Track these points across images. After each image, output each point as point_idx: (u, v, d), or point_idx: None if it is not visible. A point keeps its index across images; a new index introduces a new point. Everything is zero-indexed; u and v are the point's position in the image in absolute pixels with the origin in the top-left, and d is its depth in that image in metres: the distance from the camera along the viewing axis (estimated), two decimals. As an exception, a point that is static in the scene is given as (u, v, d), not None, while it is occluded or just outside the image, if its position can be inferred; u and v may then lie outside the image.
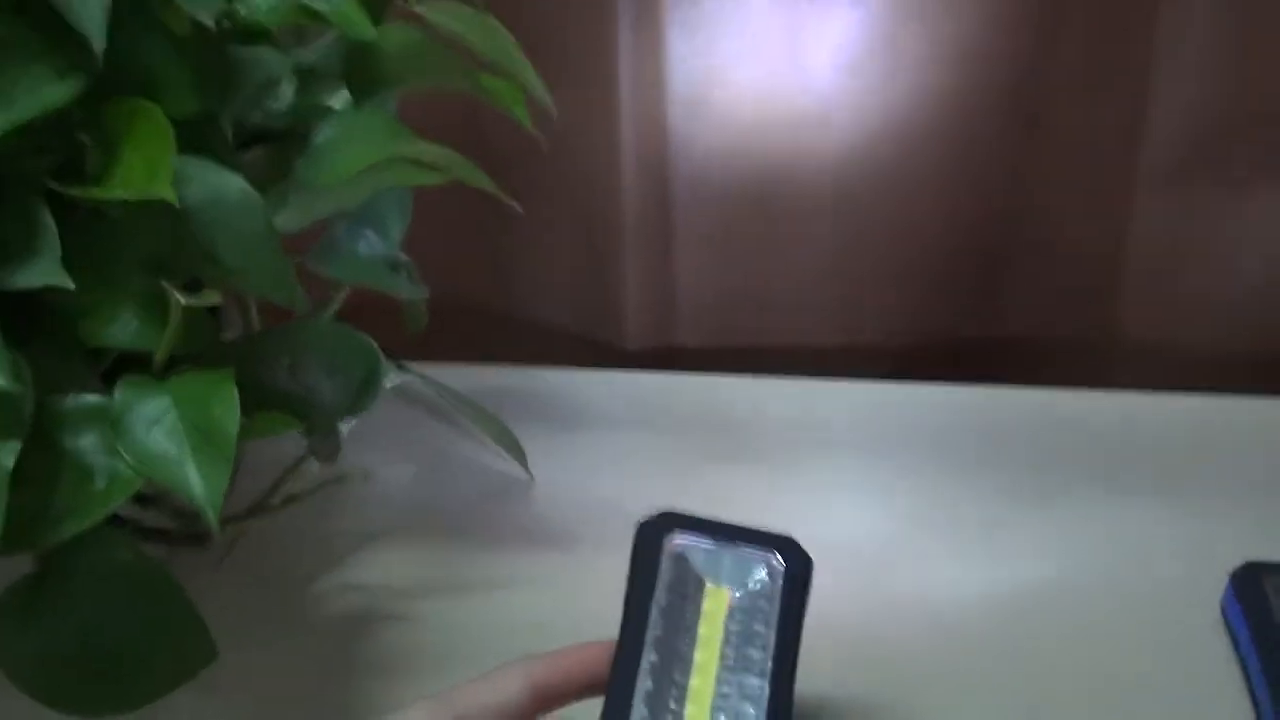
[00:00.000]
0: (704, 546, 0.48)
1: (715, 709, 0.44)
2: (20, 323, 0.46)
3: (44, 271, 0.44)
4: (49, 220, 0.45)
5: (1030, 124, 0.77)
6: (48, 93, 0.45)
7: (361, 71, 0.57)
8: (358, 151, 0.54)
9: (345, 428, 0.61)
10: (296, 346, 0.56)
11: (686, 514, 0.49)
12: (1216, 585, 0.59)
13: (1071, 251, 0.80)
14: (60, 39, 0.46)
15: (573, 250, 0.82)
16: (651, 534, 0.48)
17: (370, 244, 0.57)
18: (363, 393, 0.59)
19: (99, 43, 0.44)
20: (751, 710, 0.44)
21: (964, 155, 0.78)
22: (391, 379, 0.64)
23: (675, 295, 0.83)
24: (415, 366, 0.69)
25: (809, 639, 0.46)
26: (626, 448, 0.71)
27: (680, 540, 0.48)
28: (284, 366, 0.54)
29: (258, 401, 0.51)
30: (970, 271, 0.82)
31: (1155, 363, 0.82)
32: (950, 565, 0.62)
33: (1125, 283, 0.80)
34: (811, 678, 0.55)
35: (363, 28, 0.55)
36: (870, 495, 0.67)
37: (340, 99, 0.57)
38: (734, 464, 0.69)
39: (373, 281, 0.56)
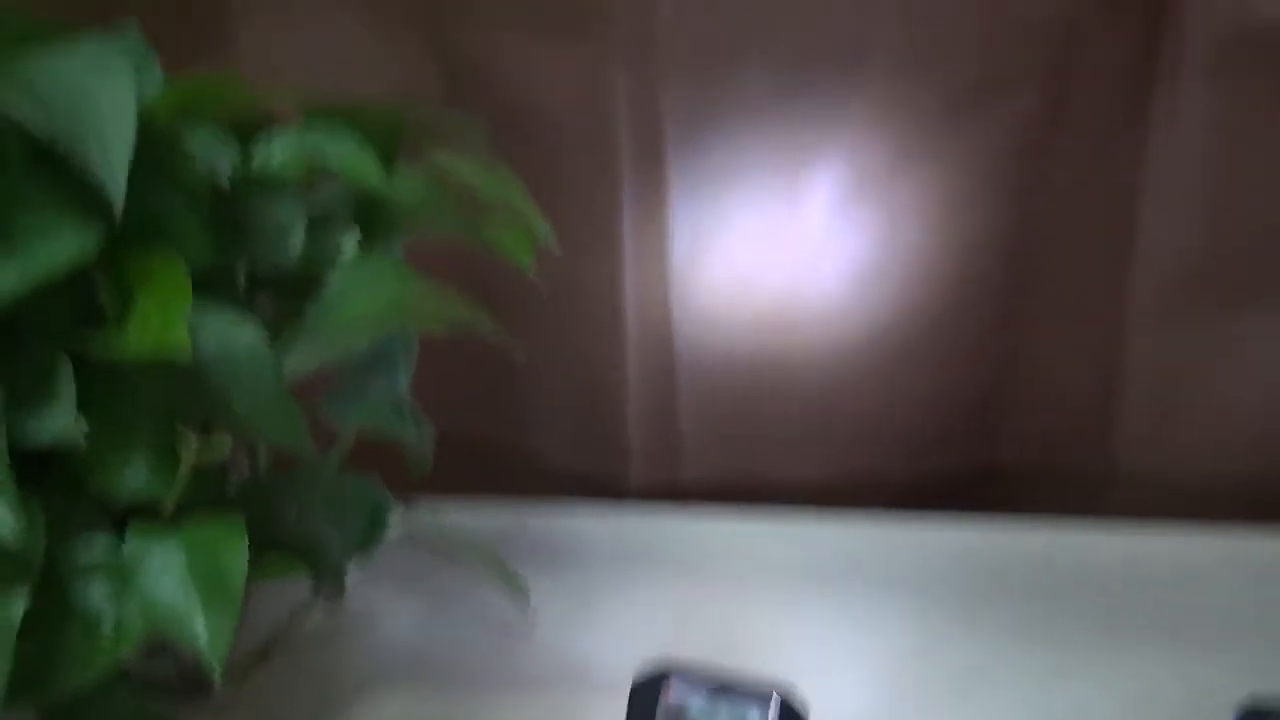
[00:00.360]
0: (699, 699, 0.49)
1: None
2: (32, 470, 0.46)
3: (59, 423, 0.45)
4: (66, 371, 0.46)
5: (1020, 262, 0.78)
6: (68, 247, 0.46)
7: (371, 218, 0.58)
8: (367, 298, 0.54)
9: (351, 570, 0.61)
10: (304, 493, 0.56)
11: (681, 664, 0.50)
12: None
13: (1065, 387, 0.81)
14: (80, 193, 0.46)
15: (576, 390, 0.83)
16: (647, 689, 0.49)
17: (378, 389, 0.57)
18: (368, 538, 0.59)
19: (118, 199, 0.45)
20: None
21: (956, 297, 0.79)
22: (397, 526, 0.64)
23: (677, 434, 0.83)
24: (420, 502, 0.69)
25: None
26: (628, 588, 0.70)
27: (676, 693, 0.49)
28: (292, 512, 0.54)
29: (265, 545, 0.51)
30: (965, 409, 0.83)
31: (1151, 494, 0.82)
32: (951, 709, 0.61)
33: (1120, 416, 0.81)
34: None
35: (373, 177, 0.56)
36: (869, 638, 0.66)
37: (350, 243, 0.58)
38: (735, 605, 0.69)
39: (381, 428, 0.56)
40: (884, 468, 0.85)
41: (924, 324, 0.80)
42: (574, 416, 0.84)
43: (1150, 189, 0.75)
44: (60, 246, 0.46)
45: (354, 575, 0.61)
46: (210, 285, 0.50)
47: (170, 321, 0.46)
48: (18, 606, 0.43)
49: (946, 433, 0.84)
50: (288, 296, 0.56)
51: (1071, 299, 0.79)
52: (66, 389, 0.45)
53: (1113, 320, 0.78)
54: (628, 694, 0.49)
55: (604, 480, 0.85)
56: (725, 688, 0.49)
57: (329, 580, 0.58)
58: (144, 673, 0.61)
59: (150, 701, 0.52)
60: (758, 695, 0.49)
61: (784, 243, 0.78)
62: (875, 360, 0.81)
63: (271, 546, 0.52)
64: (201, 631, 0.46)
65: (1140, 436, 0.81)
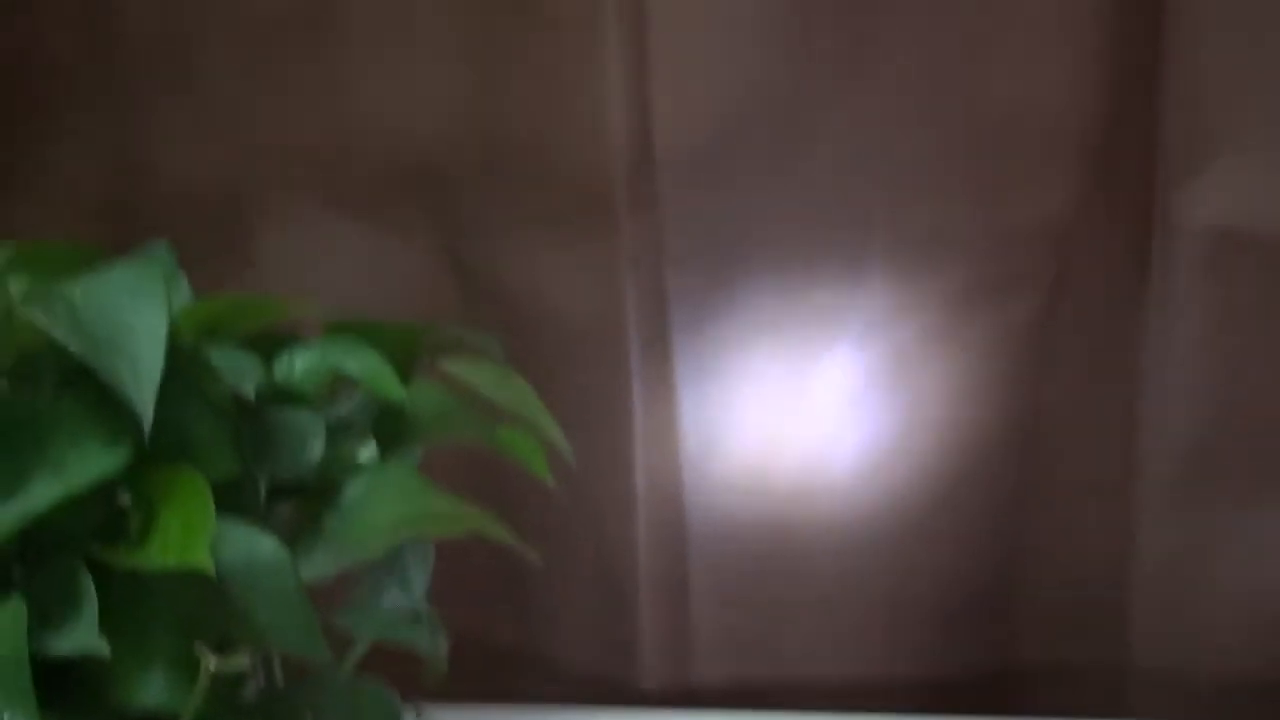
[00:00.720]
0: None
1: None
2: (50, 683, 0.47)
3: (82, 638, 0.46)
4: (89, 585, 0.47)
5: (1029, 449, 0.79)
6: (96, 463, 0.47)
7: (390, 428, 0.60)
8: (385, 509, 0.56)
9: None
10: (318, 700, 0.56)
11: None
12: None
13: (1077, 575, 0.82)
14: (109, 411, 0.48)
15: (588, 590, 0.84)
16: None
17: (393, 597, 0.58)
18: (381, 745, 0.59)
19: (148, 417, 0.47)
20: None
21: (965, 485, 0.80)
22: (410, 732, 0.64)
23: (690, 634, 0.84)
24: (432, 707, 0.69)
25: None
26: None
27: None
28: (306, 721, 0.55)
29: (278, 757, 0.52)
30: (978, 605, 0.83)
31: (1168, 692, 0.81)
32: None
33: (1133, 609, 0.81)
34: None
35: (393, 389, 0.58)
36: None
37: (368, 452, 0.59)
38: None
39: (397, 637, 0.57)
40: (898, 663, 0.84)
41: (935, 511, 0.81)
42: (586, 613, 0.84)
43: (1152, 377, 0.76)
44: (90, 462, 0.47)
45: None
46: (232, 497, 0.51)
47: (193, 537, 0.47)
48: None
49: (961, 625, 0.84)
50: (305, 504, 0.57)
51: (1081, 484, 0.80)
52: (89, 602, 0.46)
53: (1122, 506, 0.79)
54: None
55: (616, 680, 0.84)
56: None
57: (341, 790, 0.58)
58: None
59: None
60: None
61: (794, 434, 0.79)
62: (887, 550, 0.82)
63: (286, 757, 0.53)
64: None
65: (1154, 629, 0.81)
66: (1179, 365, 0.76)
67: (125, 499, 0.50)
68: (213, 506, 0.48)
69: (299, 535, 0.55)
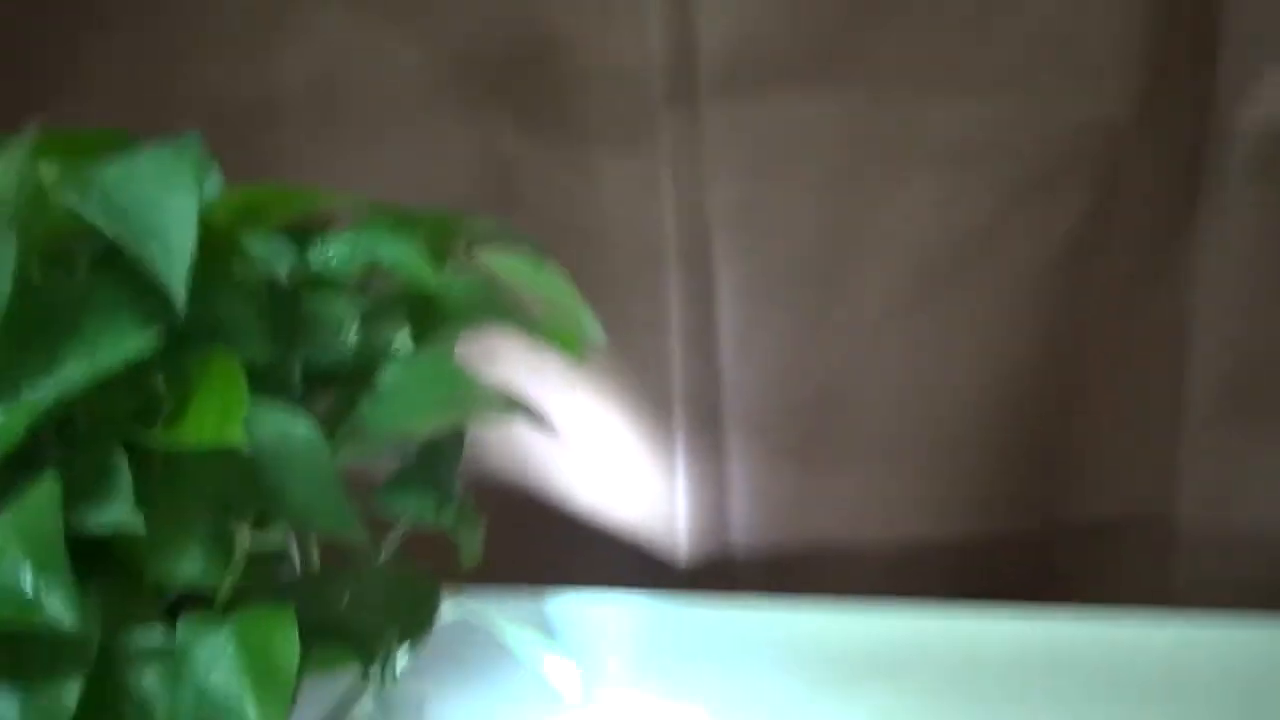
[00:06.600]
0: None
1: None
2: (90, 560, 0.47)
3: (117, 514, 0.46)
4: (124, 464, 0.47)
5: (1074, 362, 0.78)
6: (129, 344, 0.48)
7: (424, 315, 0.60)
8: (420, 395, 0.56)
9: (402, 658, 0.61)
10: (355, 584, 0.57)
11: None
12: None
13: (1121, 488, 0.81)
14: (141, 293, 0.48)
15: (625, 468, 0.84)
16: None
17: (429, 482, 0.59)
18: (419, 627, 0.60)
19: (180, 298, 0.47)
20: None
21: (1010, 397, 0.79)
22: (447, 614, 0.65)
23: (728, 513, 0.84)
24: (470, 591, 0.70)
25: None
26: (679, 676, 0.71)
27: None
28: (343, 603, 0.55)
29: (316, 636, 0.52)
30: (1021, 508, 0.83)
31: (1209, 592, 0.81)
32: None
33: (1177, 515, 0.80)
34: None
35: (426, 275, 0.58)
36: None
37: (403, 339, 0.60)
38: (787, 695, 0.69)
39: (432, 521, 0.57)
40: (943, 538, 0.84)
41: (981, 417, 0.80)
42: (624, 492, 0.85)
43: (1202, 285, 0.75)
44: (123, 343, 0.48)
45: (403, 663, 0.62)
46: (266, 381, 0.51)
47: (228, 415, 0.47)
48: (72, 693, 0.45)
49: (1000, 519, 0.83)
50: (342, 393, 0.57)
51: (1127, 396, 0.79)
52: (124, 480, 0.47)
53: (1170, 419, 0.78)
54: None
55: (654, 562, 0.85)
56: None
57: (379, 668, 0.59)
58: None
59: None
60: None
61: (833, 340, 0.79)
62: (929, 460, 0.81)
63: (323, 637, 0.53)
64: (254, 718, 0.47)
65: (1198, 535, 0.81)
66: (1230, 272, 0.75)
67: (160, 384, 0.51)
68: (246, 386, 0.48)
69: (335, 422, 0.55)
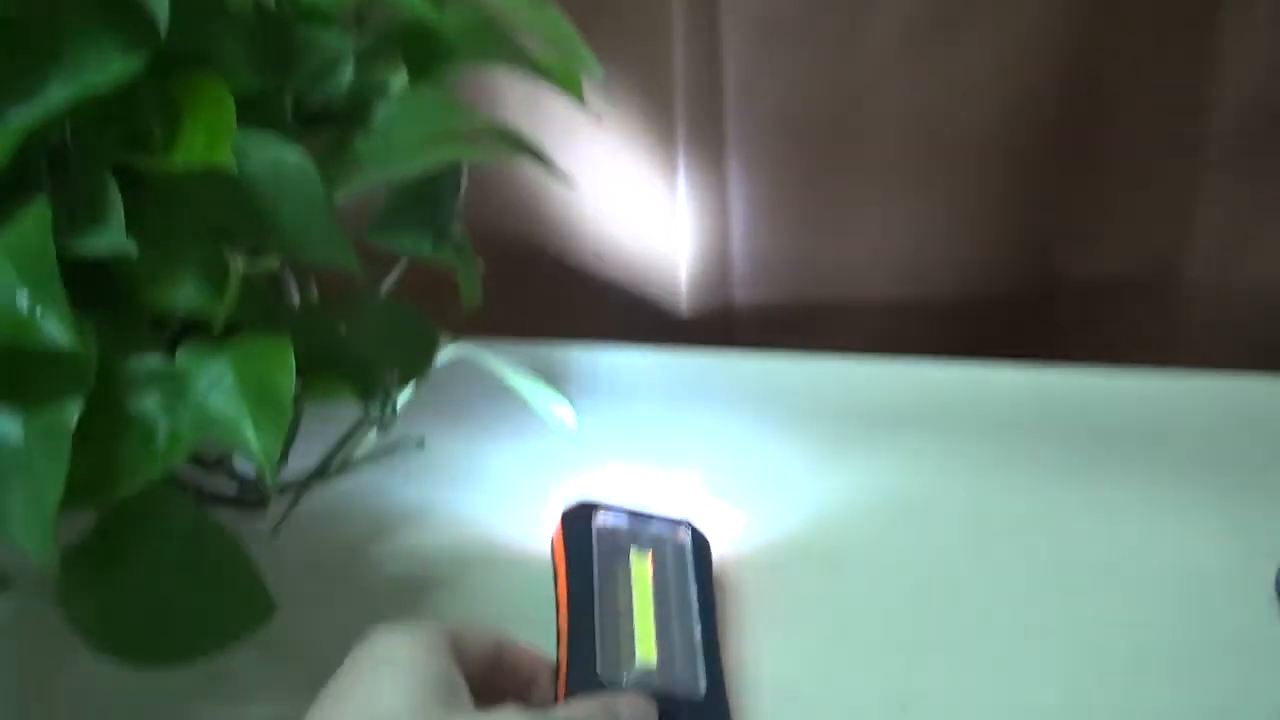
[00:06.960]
0: (625, 523, 0.58)
1: (660, 641, 0.53)
2: (88, 289, 0.48)
3: (109, 239, 0.46)
4: (115, 190, 0.47)
5: (1091, 98, 0.76)
6: (114, 66, 0.47)
7: (420, 51, 0.59)
8: (416, 130, 0.55)
9: (401, 397, 0.62)
10: (353, 316, 0.57)
11: (603, 502, 0.58)
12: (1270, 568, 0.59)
13: (1133, 230, 0.80)
14: (126, 16, 0.47)
15: (628, 215, 0.83)
16: (578, 515, 0.57)
17: (425, 216, 0.58)
18: (417, 365, 0.60)
19: (163, 19, 0.46)
20: (697, 633, 0.54)
21: (1023, 132, 0.78)
22: (446, 356, 0.66)
23: (730, 261, 0.84)
24: (468, 337, 0.71)
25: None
26: (676, 424, 0.72)
27: (605, 519, 0.57)
28: (340, 334, 0.56)
29: (314, 367, 0.53)
30: (1027, 247, 0.82)
31: (1214, 346, 0.81)
32: (1003, 552, 0.62)
33: (1187, 262, 0.80)
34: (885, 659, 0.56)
35: (425, 6, 0.56)
36: (917, 476, 0.67)
37: (398, 79, 0.58)
38: (783, 444, 0.70)
39: (428, 254, 0.57)
40: (943, 293, 0.84)
41: (990, 156, 0.79)
42: (625, 242, 0.84)
43: (1228, 44, 0.73)
44: (108, 64, 0.47)
45: (404, 401, 0.63)
46: (258, 111, 0.51)
47: (215, 137, 0.47)
48: (73, 411, 0.45)
49: (1007, 270, 0.83)
50: (338, 131, 0.56)
51: (1146, 134, 0.77)
52: (115, 205, 0.47)
53: (1186, 164, 0.77)
54: (559, 520, 0.57)
55: (657, 309, 0.85)
56: (644, 517, 0.59)
57: (379, 405, 0.59)
58: (202, 488, 0.64)
59: (207, 513, 0.54)
60: (672, 522, 0.59)
61: (844, 76, 0.77)
62: (937, 192, 0.80)
63: (321, 366, 0.54)
64: (252, 437, 0.48)
65: (1207, 283, 0.80)
66: (1260, 25, 0.72)
67: (149, 112, 0.50)
68: (234, 110, 0.47)
69: (330, 158, 0.54)
